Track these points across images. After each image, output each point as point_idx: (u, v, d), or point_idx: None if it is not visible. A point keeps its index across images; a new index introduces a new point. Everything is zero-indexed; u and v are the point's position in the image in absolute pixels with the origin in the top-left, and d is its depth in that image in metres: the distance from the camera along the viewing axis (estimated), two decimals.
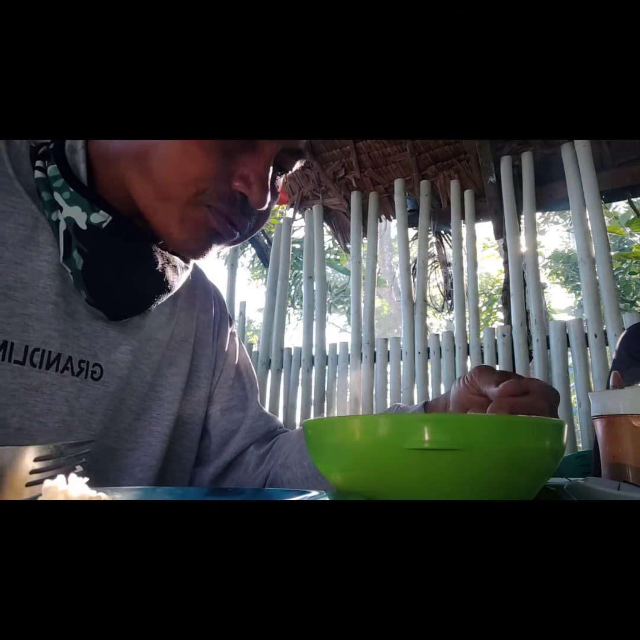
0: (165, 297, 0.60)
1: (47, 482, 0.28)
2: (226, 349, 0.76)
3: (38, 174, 0.56)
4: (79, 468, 0.32)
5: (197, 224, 0.54)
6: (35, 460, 0.29)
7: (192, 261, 0.64)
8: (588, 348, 2.15)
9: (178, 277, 0.61)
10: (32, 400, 0.52)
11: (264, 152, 0.54)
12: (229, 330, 0.78)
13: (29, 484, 0.29)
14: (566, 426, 0.38)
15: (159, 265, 0.57)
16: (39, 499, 0.28)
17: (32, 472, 0.29)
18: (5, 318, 0.51)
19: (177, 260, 0.60)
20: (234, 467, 0.72)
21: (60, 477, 0.28)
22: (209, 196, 0.52)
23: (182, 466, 0.68)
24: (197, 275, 0.75)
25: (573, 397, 2.17)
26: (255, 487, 0.69)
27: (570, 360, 2.21)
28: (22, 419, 0.51)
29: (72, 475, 0.29)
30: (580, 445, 2.20)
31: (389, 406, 2.47)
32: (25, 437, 0.51)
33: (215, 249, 0.57)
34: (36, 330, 0.53)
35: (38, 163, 0.57)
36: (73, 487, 0.28)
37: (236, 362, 0.78)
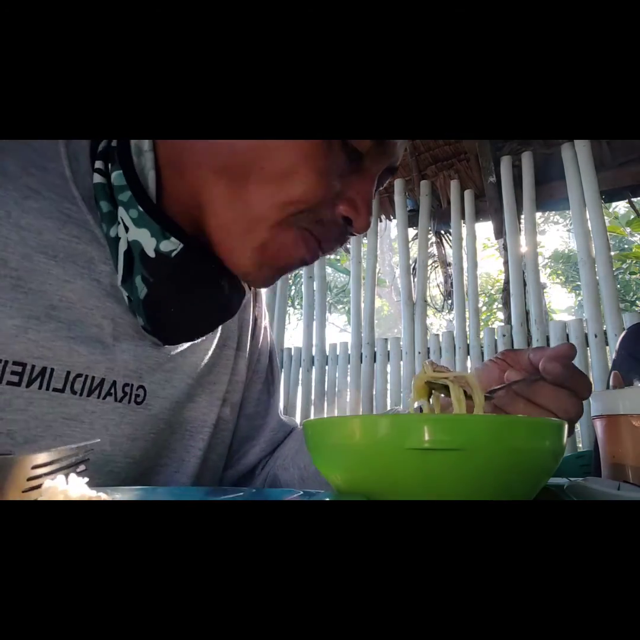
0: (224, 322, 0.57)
1: (47, 482, 0.28)
2: (260, 346, 0.73)
3: (98, 177, 0.50)
4: (80, 468, 0.32)
5: (280, 248, 0.49)
6: (34, 468, 0.29)
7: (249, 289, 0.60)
8: (588, 348, 2.15)
9: (241, 302, 0.57)
10: (70, 431, 0.47)
11: (371, 172, 0.50)
12: (264, 323, 0.74)
13: (26, 491, 0.28)
14: (566, 426, 0.38)
15: (226, 292, 0.53)
16: (39, 499, 0.28)
17: (30, 479, 0.29)
18: (48, 342, 0.46)
19: (241, 284, 0.56)
20: (249, 477, 0.70)
21: (60, 477, 0.28)
22: (304, 218, 0.48)
23: (214, 475, 0.65)
24: None
25: None
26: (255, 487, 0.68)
27: None
28: None
29: (72, 475, 0.29)
30: (580, 445, 2.20)
31: (388, 408, 2.48)
32: None
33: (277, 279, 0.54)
34: (81, 354, 0.48)
35: (98, 164, 0.50)
36: (73, 487, 0.28)
37: (267, 362, 0.74)
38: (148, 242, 0.48)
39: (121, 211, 0.48)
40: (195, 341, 0.59)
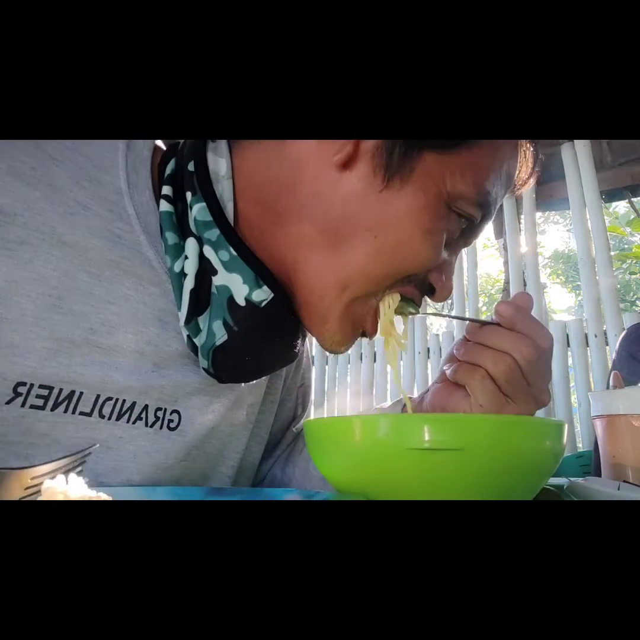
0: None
1: (47, 482, 0.28)
2: (296, 363, 0.69)
3: (165, 205, 0.46)
4: (78, 469, 0.32)
5: (362, 316, 0.49)
6: (33, 479, 0.29)
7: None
8: (588, 348, 2.15)
9: (303, 346, 0.55)
10: (94, 457, 0.43)
11: (459, 245, 0.50)
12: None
13: (23, 498, 0.28)
14: (566, 426, 0.38)
15: (297, 347, 0.52)
16: (39, 499, 0.28)
17: (28, 488, 0.28)
18: (80, 367, 0.42)
19: (306, 332, 0.54)
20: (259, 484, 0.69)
21: (60, 477, 0.28)
22: (399, 286, 0.47)
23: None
24: None
25: (573, 397, 2.16)
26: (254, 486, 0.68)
27: (570, 360, 2.21)
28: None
29: (72, 475, 0.29)
30: (580, 445, 2.19)
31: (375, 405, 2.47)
32: None
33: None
34: (115, 380, 0.44)
35: (165, 190, 0.46)
36: (73, 487, 0.28)
37: (301, 378, 0.71)
38: (239, 289, 0.45)
39: (207, 251, 0.45)
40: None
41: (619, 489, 0.44)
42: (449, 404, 0.50)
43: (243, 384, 0.56)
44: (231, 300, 0.45)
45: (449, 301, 2.70)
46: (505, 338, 0.46)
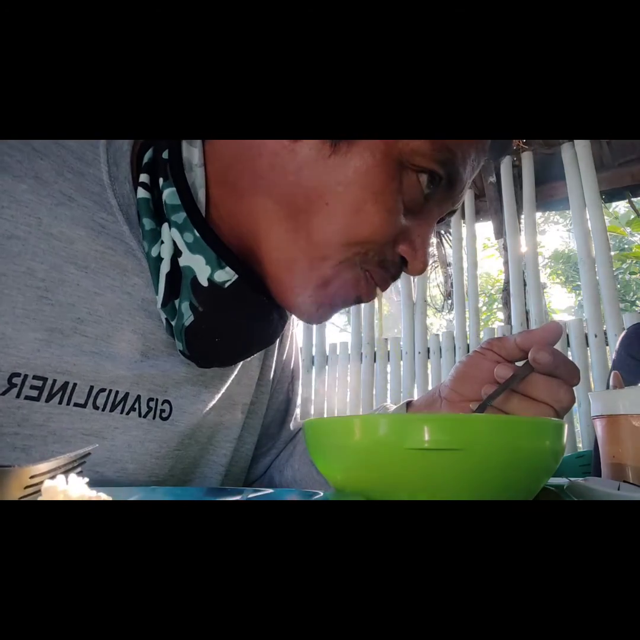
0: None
1: (47, 482, 0.28)
2: (285, 356, 0.70)
3: (142, 192, 0.47)
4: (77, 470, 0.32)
5: (340, 287, 0.47)
6: (32, 478, 0.29)
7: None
8: (588, 348, 2.15)
9: (284, 328, 0.55)
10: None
11: (433, 214, 0.48)
12: (292, 330, 0.72)
13: (23, 497, 0.28)
14: (566, 426, 0.38)
15: (273, 326, 0.52)
16: (39, 499, 0.28)
17: (28, 487, 0.28)
18: (72, 357, 0.44)
19: (286, 314, 0.54)
20: (257, 484, 0.69)
21: (60, 477, 0.28)
22: (369, 259, 0.46)
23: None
24: None
25: None
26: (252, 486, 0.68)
27: None
28: None
29: (72, 475, 0.29)
30: (580, 445, 2.20)
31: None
32: None
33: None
34: (107, 370, 0.45)
35: (143, 177, 0.47)
36: (73, 487, 0.28)
37: (291, 368, 0.72)
38: (202, 270, 0.46)
39: (174, 233, 0.46)
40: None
41: (619, 489, 0.44)
42: None
43: (233, 375, 0.58)
44: (195, 281, 0.46)
45: (449, 301, 2.70)
46: (546, 390, 0.47)
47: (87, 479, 0.29)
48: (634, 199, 2.53)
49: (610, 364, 1.65)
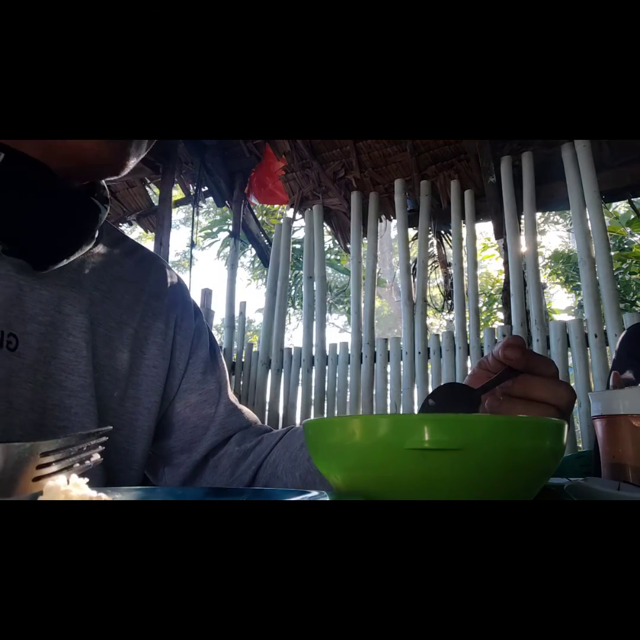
0: (86, 241, 0.55)
1: (49, 483, 0.28)
2: (192, 342, 0.71)
3: None
4: (91, 461, 0.31)
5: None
6: (42, 455, 0.29)
7: (108, 206, 0.59)
8: (588, 348, 2.15)
9: (95, 217, 0.56)
10: None
11: None
12: (195, 322, 0.73)
13: (36, 479, 0.29)
14: (566, 426, 0.38)
15: (68, 203, 0.53)
16: (39, 498, 0.28)
17: (40, 466, 0.29)
18: None
19: (92, 200, 0.55)
20: (204, 467, 0.68)
21: (62, 477, 0.28)
22: None
23: (128, 460, 0.62)
24: (151, 262, 0.71)
25: None
26: (243, 484, 0.67)
27: (570, 360, 2.21)
28: None
29: (73, 476, 0.29)
30: (580, 445, 2.20)
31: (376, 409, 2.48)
32: None
33: (134, 154, 0.53)
34: None
35: None
36: (73, 487, 0.28)
37: (206, 355, 0.72)
38: None
39: None
40: (77, 301, 0.57)
41: (619, 489, 0.44)
42: None
43: (94, 333, 0.58)
44: None
45: (449, 301, 2.70)
46: (544, 388, 0.48)
47: (87, 480, 0.29)
48: (634, 199, 2.54)
49: (610, 364, 1.65)
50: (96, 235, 0.57)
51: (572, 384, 2.18)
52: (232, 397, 0.74)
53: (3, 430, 0.50)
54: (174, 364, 0.69)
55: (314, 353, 2.69)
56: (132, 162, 0.55)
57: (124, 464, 0.62)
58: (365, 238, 2.79)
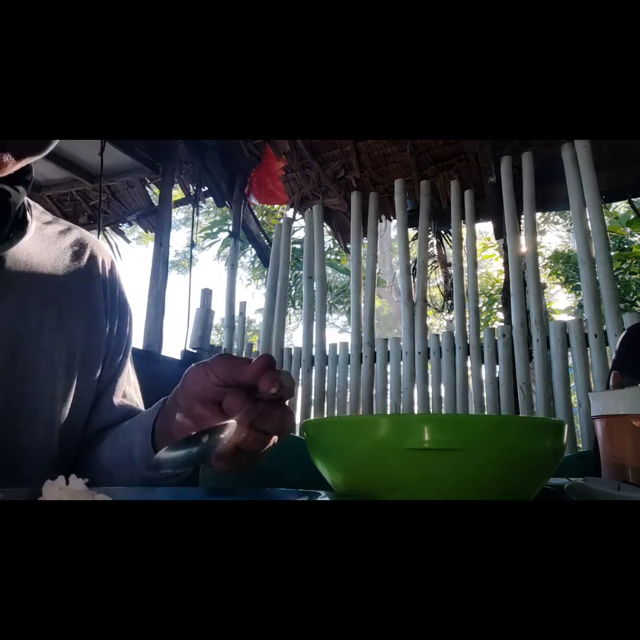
0: (4, 224, 0.52)
1: (48, 482, 0.28)
2: (116, 329, 0.67)
3: None
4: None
5: None
6: None
7: (27, 186, 0.55)
8: (588, 348, 2.15)
9: (9, 206, 0.52)
10: None
11: None
12: (120, 313, 0.69)
13: None
14: (566, 426, 0.38)
15: None
16: (39, 499, 0.28)
17: None
18: None
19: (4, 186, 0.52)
20: (91, 442, 0.64)
21: (60, 477, 0.28)
22: None
23: (76, 432, 0.61)
24: (84, 248, 0.66)
25: (573, 397, 2.17)
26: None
27: (570, 360, 2.21)
28: None
29: (73, 476, 0.29)
30: (580, 445, 2.20)
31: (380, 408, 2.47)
32: None
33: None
34: None
35: None
36: (73, 487, 0.28)
37: (127, 329, 0.69)
38: None
39: None
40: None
41: (619, 489, 0.44)
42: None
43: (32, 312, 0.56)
44: None
45: (449, 301, 2.70)
46: (276, 420, 0.43)
47: (87, 479, 0.29)
48: (634, 199, 2.54)
49: (610, 364, 1.65)
50: (7, 224, 0.53)
51: (572, 384, 2.19)
52: (124, 392, 0.69)
53: None
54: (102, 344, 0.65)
55: (314, 353, 2.69)
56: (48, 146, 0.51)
57: (65, 433, 0.59)
58: (365, 238, 2.79)
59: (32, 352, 0.56)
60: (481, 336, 2.37)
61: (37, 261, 0.59)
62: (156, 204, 3.17)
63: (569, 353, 2.20)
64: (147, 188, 3.39)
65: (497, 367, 2.29)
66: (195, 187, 3.13)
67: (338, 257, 8.09)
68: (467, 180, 2.63)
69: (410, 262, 2.69)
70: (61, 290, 0.61)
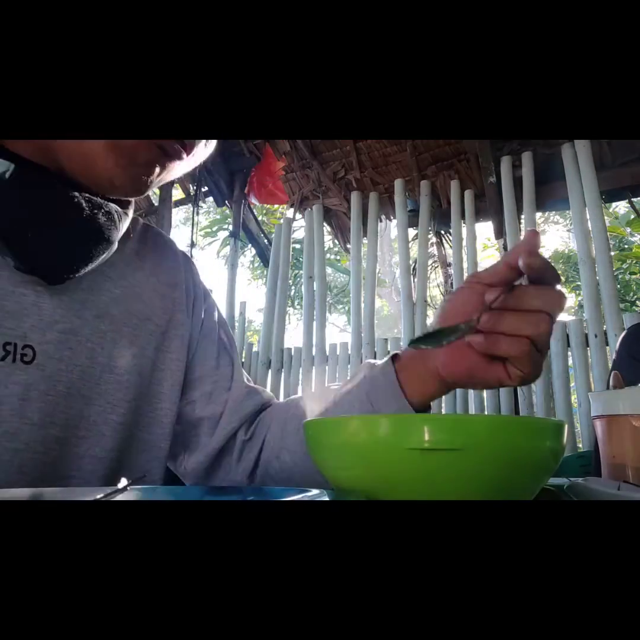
0: (106, 251, 0.53)
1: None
2: (202, 325, 0.69)
3: None
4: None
5: (142, 151, 0.50)
6: None
7: (131, 209, 0.57)
8: (588, 348, 2.15)
9: (116, 225, 0.53)
10: None
11: None
12: (205, 305, 0.71)
13: None
14: (566, 426, 0.38)
15: (86, 212, 0.50)
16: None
17: None
18: None
19: (111, 206, 0.53)
20: (224, 455, 0.66)
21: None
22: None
23: (154, 455, 0.61)
24: (163, 246, 0.68)
25: (573, 397, 2.16)
26: (238, 482, 0.64)
27: (570, 360, 2.21)
28: None
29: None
30: (580, 445, 2.19)
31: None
32: None
33: (156, 177, 0.53)
34: None
35: None
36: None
37: (218, 337, 0.70)
38: None
39: None
40: (97, 300, 0.56)
41: (619, 489, 0.44)
42: (490, 378, 0.48)
43: (118, 333, 0.57)
44: None
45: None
46: (539, 297, 0.45)
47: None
48: (634, 199, 2.53)
49: (610, 364, 1.65)
50: (115, 240, 0.55)
51: (572, 384, 2.19)
52: (246, 377, 0.71)
53: (24, 449, 0.48)
54: (190, 352, 0.67)
55: (314, 353, 2.69)
56: (152, 187, 0.54)
57: (152, 458, 0.61)
58: (365, 238, 2.79)
59: (101, 374, 0.56)
60: None
61: (115, 275, 0.59)
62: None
63: (569, 353, 2.20)
64: None
65: None
66: (195, 187, 3.13)
67: (338, 257, 8.09)
68: (467, 180, 2.62)
69: (410, 262, 2.69)
70: (139, 306, 0.61)
